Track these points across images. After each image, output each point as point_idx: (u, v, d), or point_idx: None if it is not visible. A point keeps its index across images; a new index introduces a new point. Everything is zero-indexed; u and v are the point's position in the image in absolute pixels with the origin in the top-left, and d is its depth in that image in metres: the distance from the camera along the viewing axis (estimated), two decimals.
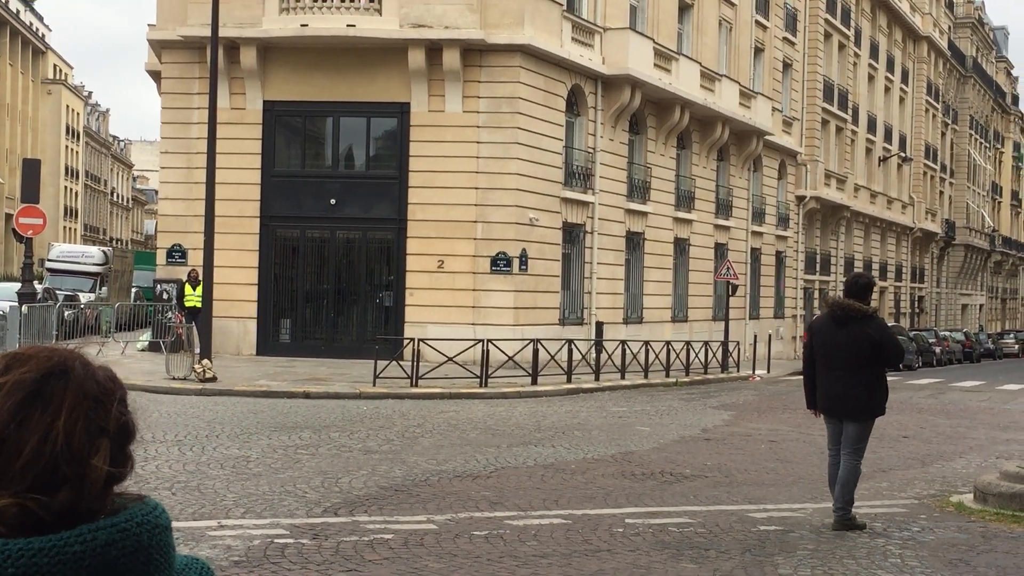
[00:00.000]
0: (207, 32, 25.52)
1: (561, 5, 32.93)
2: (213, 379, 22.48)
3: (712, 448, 16.77)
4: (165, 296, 30.98)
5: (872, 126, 65.53)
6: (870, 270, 64.85)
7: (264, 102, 31.34)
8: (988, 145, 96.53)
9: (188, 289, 29.01)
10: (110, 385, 1.64)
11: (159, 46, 32.41)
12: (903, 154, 70.76)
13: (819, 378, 11.14)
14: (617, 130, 36.24)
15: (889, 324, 51.58)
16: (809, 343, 11.61)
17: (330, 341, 31.50)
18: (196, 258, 28.40)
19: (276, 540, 9.27)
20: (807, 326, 45.48)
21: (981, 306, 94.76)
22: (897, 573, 9.08)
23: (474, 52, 30.65)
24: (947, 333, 64.51)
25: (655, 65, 36.74)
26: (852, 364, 10.86)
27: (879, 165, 66.84)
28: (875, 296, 65.65)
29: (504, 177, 30.74)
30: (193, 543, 9.06)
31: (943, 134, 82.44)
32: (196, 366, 22.82)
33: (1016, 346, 78.83)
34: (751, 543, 9.94)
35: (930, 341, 54.34)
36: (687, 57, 39.72)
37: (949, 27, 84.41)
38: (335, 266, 32.03)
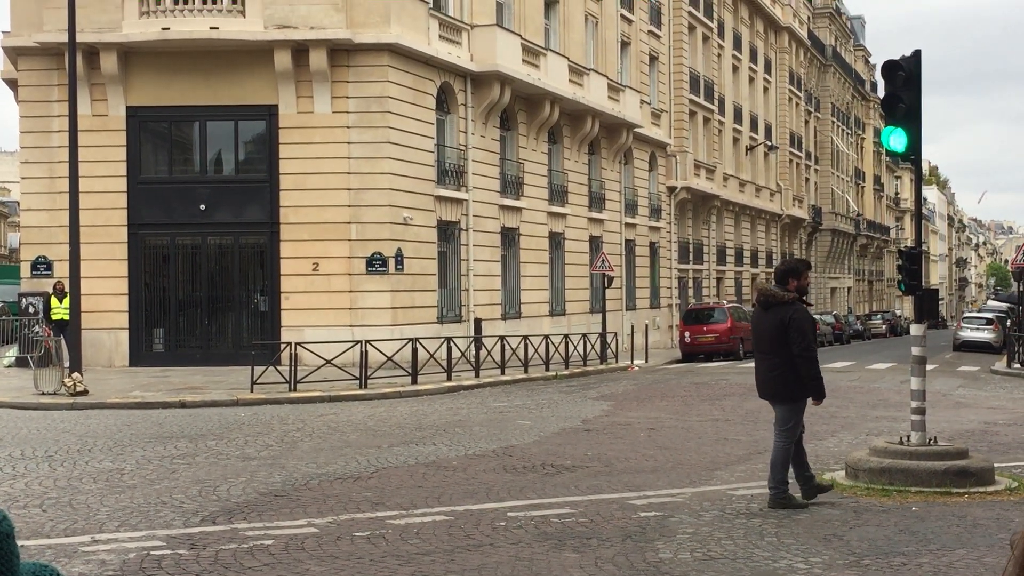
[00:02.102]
0: (64, 38, 24.90)
1: (427, 3, 32.86)
2: (84, 392, 21.94)
3: (592, 439, 16.91)
4: (31, 310, 30.13)
5: (738, 116, 66.77)
6: (741, 258, 66.12)
7: (127, 108, 30.68)
8: (850, 132, 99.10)
9: (55, 301, 28.26)
10: None
11: (15, 53, 31.49)
12: (769, 143, 72.27)
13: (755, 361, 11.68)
14: (488, 127, 36.34)
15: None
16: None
17: (205, 349, 30.99)
18: (62, 269, 27.72)
19: (152, 552, 9.09)
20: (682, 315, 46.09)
21: (849, 289, 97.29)
22: (774, 551, 9.27)
23: (341, 52, 30.43)
24: (818, 316, 66.05)
25: (523, 61, 36.92)
26: (768, 348, 11.29)
27: (746, 154, 68.17)
28: (748, 283, 66.88)
29: (376, 177, 30.59)
30: (65, 560, 8.84)
31: (807, 122, 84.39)
32: (66, 380, 22.25)
33: (883, 326, 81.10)
34: (632, 530, 10.06)
35: None
36: (555, 52, 40.00)
37: (808, 17, 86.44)
38: (208, 272, 31.52)
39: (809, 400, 11.47)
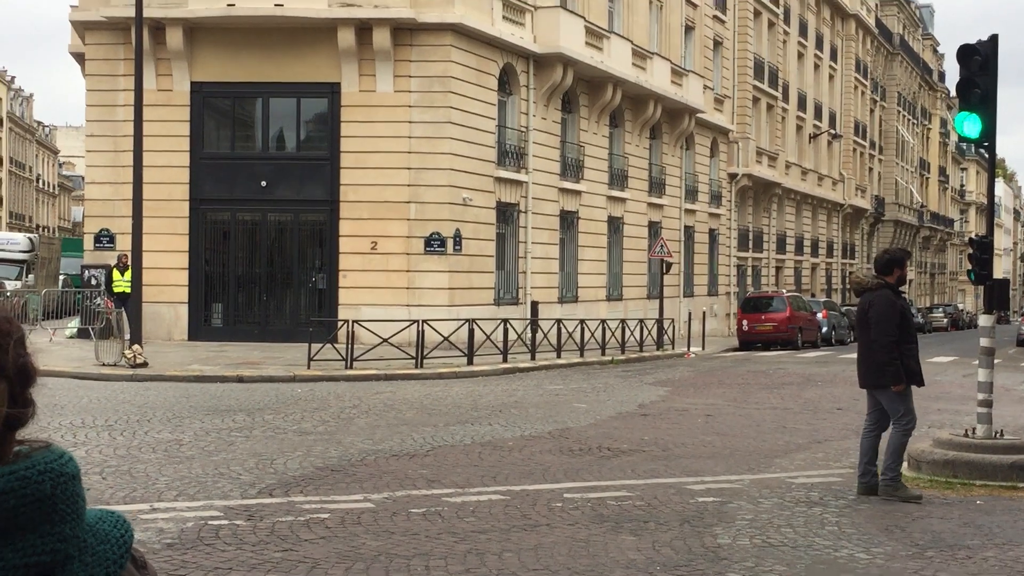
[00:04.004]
0: (131, 12, 25.04)
1: None
2: (144, 364, 22.13)
3: (649, 423, 16.79)
4: (93, 282, 30.46)
5: (802, 103, 66.06)
6: (801, 247, 65.50)
7: (192, 83, 30.87)
8: (916, 122, 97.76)
9: (117, 274, 28.52)
10: (6, 326, 1.55)
11: (83, 27, 31.78)
12: (833, 131, 71.45)
13: None
14: (550, 109, 36.18)
15: (820, 300, 51.88)
16: None
17: (263, 325, 31.18)
18: (124, 243, 27.96)
19: (210, 522, 9.11)
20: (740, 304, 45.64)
21: (911, 281, 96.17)
22: (835, 540, 9.12)
23: (404, 31, 30.39)
24: None
25: (586, 43, 36.71)
26: (859, 335, 11.43)
27: (809, 142, 67.44)
28: (808, 273, 66.25)
29: (437, 157, 30.55)
30: None
31: (872, 111, 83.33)
32: (127, 352, 22.46)
33: (945, 320, 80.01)
34: (689, 514, 9.94)
35: None
36: (618, 35, 39.73)
37: (876, 5, 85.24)
38: (267, 249, 31.70)
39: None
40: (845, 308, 55.62)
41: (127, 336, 23.42)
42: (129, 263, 25.53)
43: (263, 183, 30.93)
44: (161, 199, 29.82)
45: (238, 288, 31.66)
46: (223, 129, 31.92)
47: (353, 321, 24.99)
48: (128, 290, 25.74)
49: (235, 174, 31.05)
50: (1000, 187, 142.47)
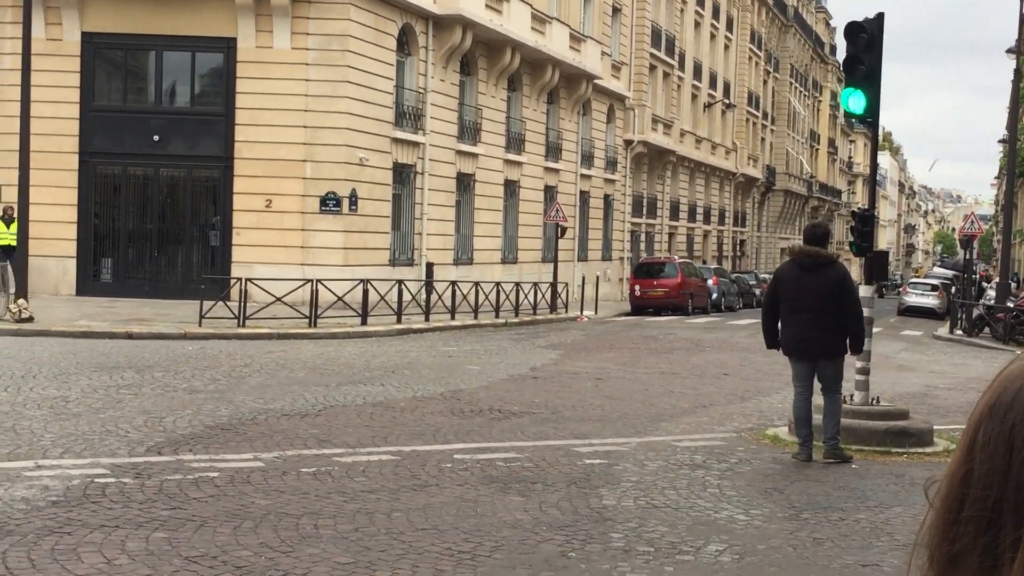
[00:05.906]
0: None
1: None
2: (30, 319, 21.72)
3: (540, 386, 17.00)
4: None
5: (698, 72, 66.71)
6: (694, 214, 66.38)
7: (83, 33, 30.18)
8: (807, 93, 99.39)
9: (2, 227, 27.80)
10: None
11: None
12: (727, 101, 72.31)
13: (784, 321, 11.64)
14: (448, 71, 36.10)
15: (711, 267, 52.79)
16: (772, 289, 12.01)
17: (154, 281, 30.77)
18: (11, 195, 27.24)
19: (96, 480, 9.06)
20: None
21: None
22: (716, 502, 9.39)
23: None
24: (767, 275, 66.48)
25: (486, 6, 36.65)
26: (817, 307, 11.34)
27: (704, 111, 68.20)
28: (700, 240, 67.30)
29: (333, 116, 30.33)
30: (8, 484, 8.79)
31: (765, 82, 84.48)
32: (11, 306, 22.01)
33: None
34: (576, 476, 10.15)
35: (751, 283, 55.86)
36: None
37: None
38: (159, 204, 31.23)
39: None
40: (736, 275, 56.62)
41: (12, 290, 22.92)
42: (15, 216, 24.96)
43: (156, 137, 30.43)
44: (49, 151, 29.12)
45: (128, 243, 31.17)
46: (115, 81, 31.29)
47: (246, 279, 24.80)
48: (14, 243, 25.14)
49: (127, 128, 30.48)
50: (886, 160, 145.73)
